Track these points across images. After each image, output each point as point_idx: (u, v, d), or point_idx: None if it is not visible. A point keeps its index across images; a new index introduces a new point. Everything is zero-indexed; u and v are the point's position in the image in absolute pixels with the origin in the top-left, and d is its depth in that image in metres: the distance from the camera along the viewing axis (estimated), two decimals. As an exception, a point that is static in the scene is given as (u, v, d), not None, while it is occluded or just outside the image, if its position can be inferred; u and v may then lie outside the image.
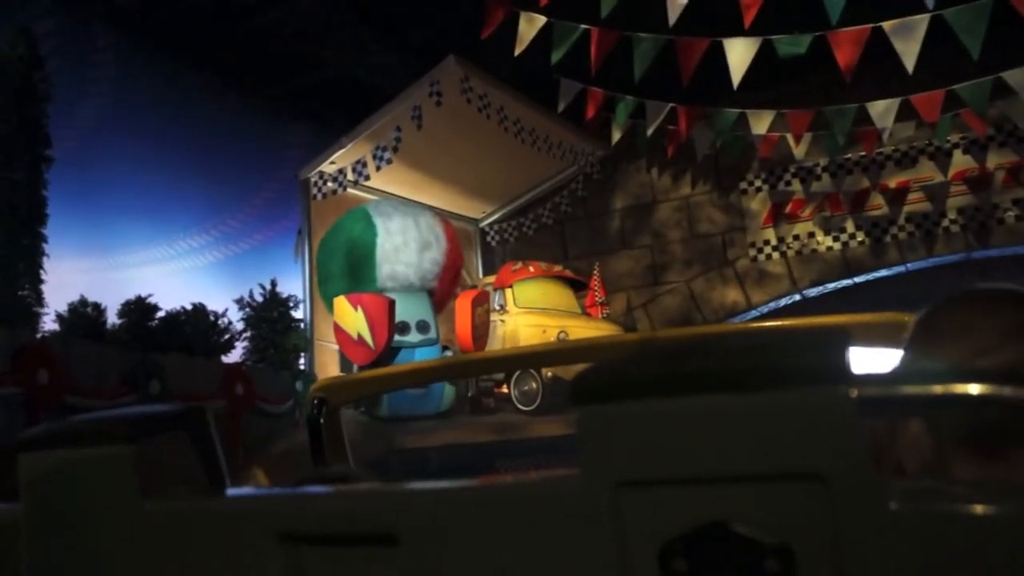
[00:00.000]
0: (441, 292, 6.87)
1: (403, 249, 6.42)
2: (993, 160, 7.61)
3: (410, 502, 0.56)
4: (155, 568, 0.61)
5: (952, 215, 7.74)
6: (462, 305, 6.70)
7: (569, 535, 0.49)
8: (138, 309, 6.06)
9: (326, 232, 6.76)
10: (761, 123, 7.40)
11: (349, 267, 6.35)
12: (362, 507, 0.57)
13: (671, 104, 7.30)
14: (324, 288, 6.60)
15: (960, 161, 7.73)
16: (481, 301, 6.88)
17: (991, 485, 0.46)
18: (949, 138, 7.59)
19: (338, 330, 6.25)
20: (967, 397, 0.45)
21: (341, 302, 6.19)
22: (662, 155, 8.28)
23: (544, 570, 0.49)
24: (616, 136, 7.71)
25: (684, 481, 0.46)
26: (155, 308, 6.22)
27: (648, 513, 0.46)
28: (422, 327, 6.52)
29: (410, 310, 6.41)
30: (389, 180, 7.83)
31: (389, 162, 7.02)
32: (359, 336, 6.10)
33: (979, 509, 0.42)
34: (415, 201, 7.62)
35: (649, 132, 7.50)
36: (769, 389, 0.44)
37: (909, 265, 7.96)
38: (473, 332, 6.59)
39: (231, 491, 0.66)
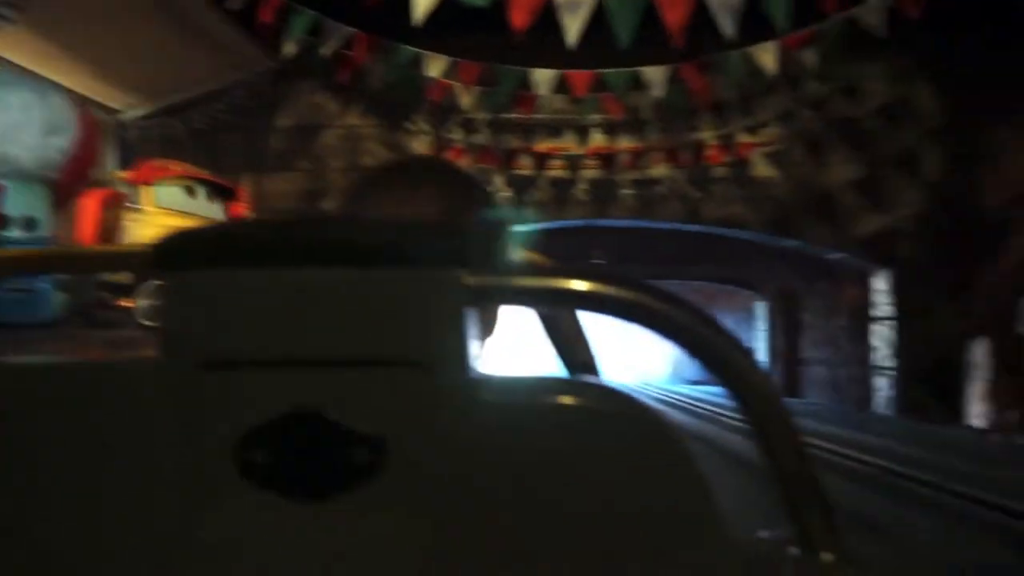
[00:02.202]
0: (64, 186, 5.98)
1: (24, 128, 5.46)
2: (621, 142, 8.69)
3: None
4: None
5: (583, 185, 8.73)
6: (88, 206, 5.90)
7: (143, 423, 0.43)
8: None
9: None
10: (436, 67, 7.57)
11: None
12: None
13: (352, 29, 7.13)
14: None
15: (597, 139, 8.71)
16: (113, 203, 6.12)
17: (584, 380, 0.49)
18: (592, 116, 8.49)
19: None
20: (580, 293, 0.45)
21: None
22: (334, 80, 8.07)
23: (116, 461, 0.44)
24: (289, 50, 7.32)
25: (276, 364, 0.41)
26: None
27: (232, 399, 0.42)
28: (28, 224, 5.64)
29: (17, 202, 5.50)
30: (8, 45, 6.58)
31: (11, 21, 5.90)
32: None
33: (558, 400, 0.43)
34: (41, 76, 6.53)
35: (323, 52, 7.26)
36: (377, 267, 0.41)
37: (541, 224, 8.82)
38: (99, 238, 5.86)
39: None
